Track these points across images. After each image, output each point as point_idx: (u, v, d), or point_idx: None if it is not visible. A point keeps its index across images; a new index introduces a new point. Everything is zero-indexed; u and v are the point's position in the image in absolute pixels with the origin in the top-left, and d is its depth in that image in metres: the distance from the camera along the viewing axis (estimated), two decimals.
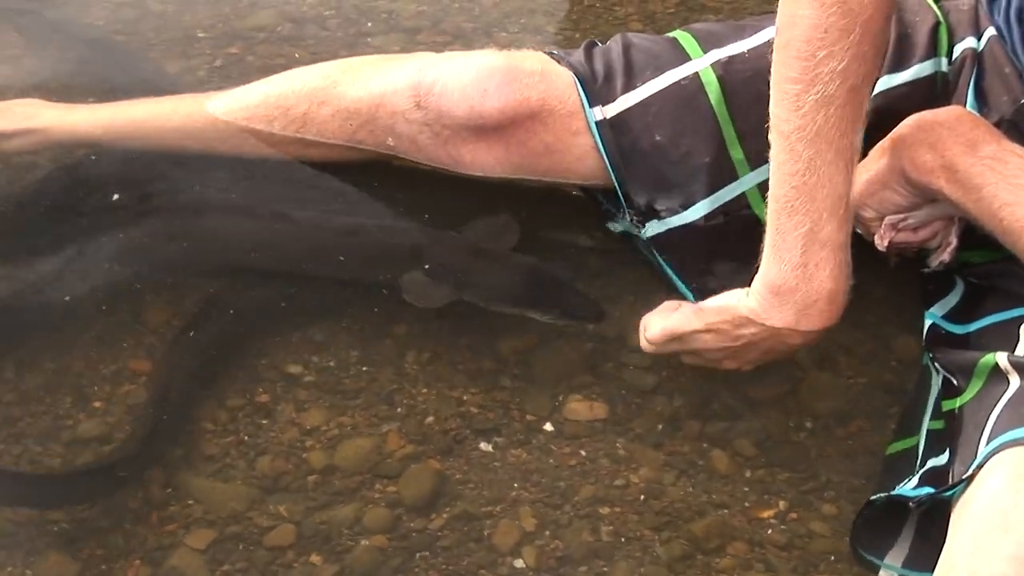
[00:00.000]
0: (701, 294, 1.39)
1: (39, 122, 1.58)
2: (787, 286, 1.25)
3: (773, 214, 1.24)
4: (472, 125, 1.45)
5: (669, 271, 1.46)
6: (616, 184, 1.45)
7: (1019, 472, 1.09)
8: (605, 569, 1.29)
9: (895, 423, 1.40)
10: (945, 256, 1.33)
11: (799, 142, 1.20)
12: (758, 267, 1.27)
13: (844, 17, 1.16)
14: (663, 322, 1.35)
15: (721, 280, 1.41)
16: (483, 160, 1.48)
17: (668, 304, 1.38)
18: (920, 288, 1.42)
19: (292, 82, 1.55)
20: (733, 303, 1.30)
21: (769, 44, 1.34)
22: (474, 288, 1.46)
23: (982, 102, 1.37)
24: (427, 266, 1.46)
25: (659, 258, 1.46)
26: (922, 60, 1.41)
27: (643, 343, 1.37)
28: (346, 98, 1.50)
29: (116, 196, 1.55)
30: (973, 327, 1.34)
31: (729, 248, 1.42)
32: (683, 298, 1.43)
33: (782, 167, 1.23)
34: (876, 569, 1.26)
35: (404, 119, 1.48)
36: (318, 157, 1.56)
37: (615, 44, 1.49)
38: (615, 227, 1.53)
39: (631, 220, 1.47)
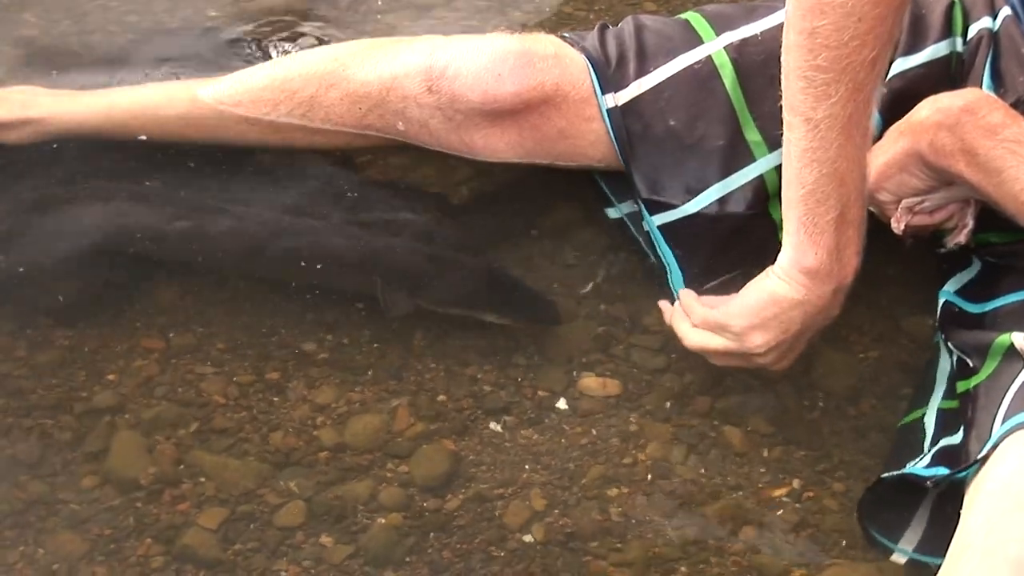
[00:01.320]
0: (695, 288, 1.41)
1: (37, 111, 1.54)
2: (824, 270, 1.26)
3: (799, 199, 1.24)
4: (486, 110, 1.44)
5: (671, 261, 1.44)
6: (627, 171, 1.44)
7: None
8: (619, 546, 1.30)
9: (907, 402, 1.40)
10: (961, 238, 1.33)
11: (830, 130, 1.19)
12: (774, 257, 1.28)
13: (878, 5, 1.14)
14: (705, 313, 1.35)
15: (721, 275, 1.41)
16: (495, 145, 1.47)
17: (687, 299, 1.38)
18: (935, 266, 1.43)
19: (299, 64, 1.52)
20: (772, 292, 1.29)
21: (782, 27, 1.34)
22: (428, 293, 1.45)
23: (998, 83, 1.36)
24: (378, 277, 1.45)
25: (663, 247, 1.44)
26: (937, 41, 1.40)
27: (688, 339, 1.37)
28: (355, 81, 1.47)
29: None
30: (989, 307, 1.34)
31: (739, 243, 1.42)
32: (671, 292, 1.44)
33: (811, 154, 1.21)
34: (889, 552, 1.27)
35: (416, 103, 1.46)
36: (323, 144, 1.54)
37: (627, 26, 1.47)
38: (612, 213, 1.53)
39: (639, 207, 1.45)
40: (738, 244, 1.42)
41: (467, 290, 1.46)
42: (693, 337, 1.37)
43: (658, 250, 1.44)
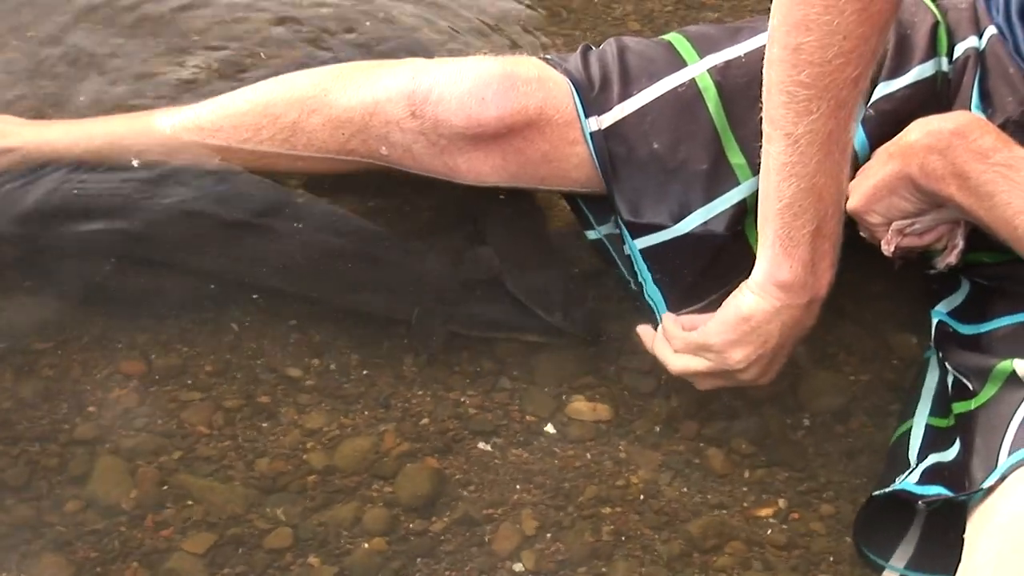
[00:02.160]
0: (677, 312, 1.41)
1: (14, 141, 1.53)
2: (799, 282, 1.27)
3: (776, 213, 1.25)
4: (470, 134, 1.43)
5: (652, 287, 1.44)
6: (610, 198, 1.43)
7: None
8: (604, 570, 1.29)
9: (895, 419, 1.40)
10: (952, 259, 1.33)
11: (810, 146, 1.21)
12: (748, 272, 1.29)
13: (863, 25, 1.15)
14: (686, 336, 1.36)
15: (704, 299, 1.41)
16: (479, 169, 1.46)
17: (668, 324, 1.39)
18: (922, 283, 1.42)
19: (281, 89, 1.51)
20: (748, 307, 1.30)
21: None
22: (462, 320, 1.47)
23: (987, 103, 1.36)
24: (417, 307, 1.47)
25: (644, 272, 1.44)
26: (923, 61, 1.39)
27: (671, 365, 1.38)
28: (338, 106, 1.47)
29: None
30: (984, 328, 1.33)
31: (721, 266, 1.42)
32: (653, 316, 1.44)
33: (790, 168, 1.23)
34: (881, 569, 1.27)
35: (399, 128, 1.45)
36: (307, 168, 1.54)
37: (610, 48, 1.47)
38: (592, 235, 1.52)
39: (620, 230, 1.45)
40: (720, 267, 1.42)
41: (503, 312, 1.48)
42: (676, 362, 1.37)
43: (639, 275, 1.44)
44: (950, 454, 1.25)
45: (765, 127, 1.23)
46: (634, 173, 1.42)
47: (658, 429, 1.42)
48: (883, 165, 1.29)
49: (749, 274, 1.31)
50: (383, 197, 1.59)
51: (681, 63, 1.44)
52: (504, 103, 1.42)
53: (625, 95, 1.42)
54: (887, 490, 1.25)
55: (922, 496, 1.21)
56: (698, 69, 1.42)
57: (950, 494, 1.19)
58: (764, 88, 1.22)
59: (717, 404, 1.43)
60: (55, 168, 1.53)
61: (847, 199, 1.28)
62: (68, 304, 1.49)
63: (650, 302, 1.44)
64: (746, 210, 1.40)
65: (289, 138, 1.48)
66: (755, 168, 1.37)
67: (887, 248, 1.32)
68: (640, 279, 1.44)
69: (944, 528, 1.19)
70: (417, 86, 1.44)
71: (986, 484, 1.13)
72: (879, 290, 1.51)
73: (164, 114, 1.55)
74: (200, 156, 1.52)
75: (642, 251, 1.43)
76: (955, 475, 1.21)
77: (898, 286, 1.49)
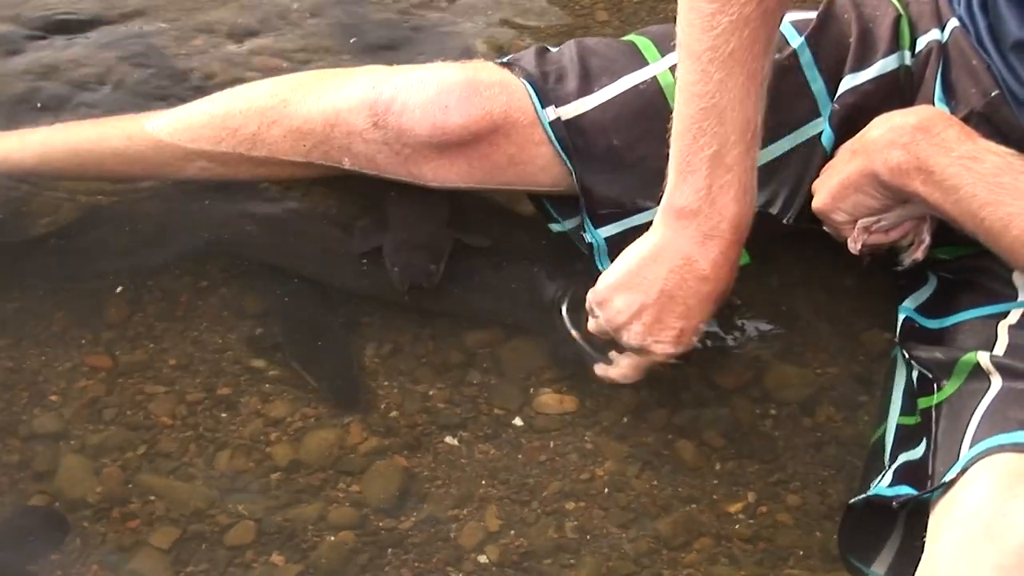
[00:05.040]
0: None
1: None
2: (690, 208, 1.26)
3: (678, 136, 1.26)
4: (435, 142, 1.44)
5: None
6: (577, 183, 1.44)
7: (1003, 480, 1.10)
8: (572, 562, 1.30)
9: (866, 413, 1.41)
10: (918, 254, 1.35)
11: (711, 63, 1.22)
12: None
13: None
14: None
15: None
16: (445, 175, 1.46)
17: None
18: (892, 282, 1.43)
19: (238, 101, 1.52)
20: (639, 243, 1.30)
21: None
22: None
23: (950, 95, 1.37)
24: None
25: (606, 261, 1.44)
26: (886, 55, 1.40)
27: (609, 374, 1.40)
28: (297, 117, 1.47)
29: None
30: (948, 322, 1.35)
31: None
32: None
33: (691, 87, 1.23)
34: (856, 571, 1.27)
35: (361, 139, 1.46)
36: (268, 176, 1.55)
37: (568, 49, 1.48)
38: (556, 227, 1.53)
39: (583, 220, 1.46)
40: None
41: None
42: (610, 372, 1.39)
43: (601, 266, 1.44)
44: (918, 452, 1.26)
45: (678, 50, 1.25)
46: (595, 164, 1.43)
47: (626, 420, 1.42)
48: (847, 162, 1.31)
49: None
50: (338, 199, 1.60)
51: (643, 62, 1.45)
52: (468, 110, 1.42)
53: (585, 91, 1.43)
54: (862, 497, 1.25)
55: (892, 498, 1.21)
56: (660, 67, 1.44)
57: (915, 493, 1.20)
58: (678, 11, 1.24)
59: (687, 394, 1.43)
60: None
61: (757, 131, 1.27)
62: (30, 300, 1.50)
63: None
64: None
65: (250, 149, 1.49)
66: None
67: (854, 246, 1.33)
68: (602, 268, 1.44)
69: (921, 534, 1.19)
70: (378, 95, 1.44)
71: (947, 478, 1.15)
72: (848, 285, 1.52)
73: (122, 122, 1.56)
74: (158, 165, 1.53)
75: (606, 239, 1.44)
76: (921, 473, 1.23)
77: (867, 281, 1.49)
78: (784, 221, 1.42)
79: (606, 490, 1.36)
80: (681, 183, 1.26)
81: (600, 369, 1.40)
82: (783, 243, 1.49)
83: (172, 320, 1.48)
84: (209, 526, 1.30)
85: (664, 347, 1.31)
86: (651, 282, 1.29)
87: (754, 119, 1.24)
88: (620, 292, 1.30)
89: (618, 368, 1.38)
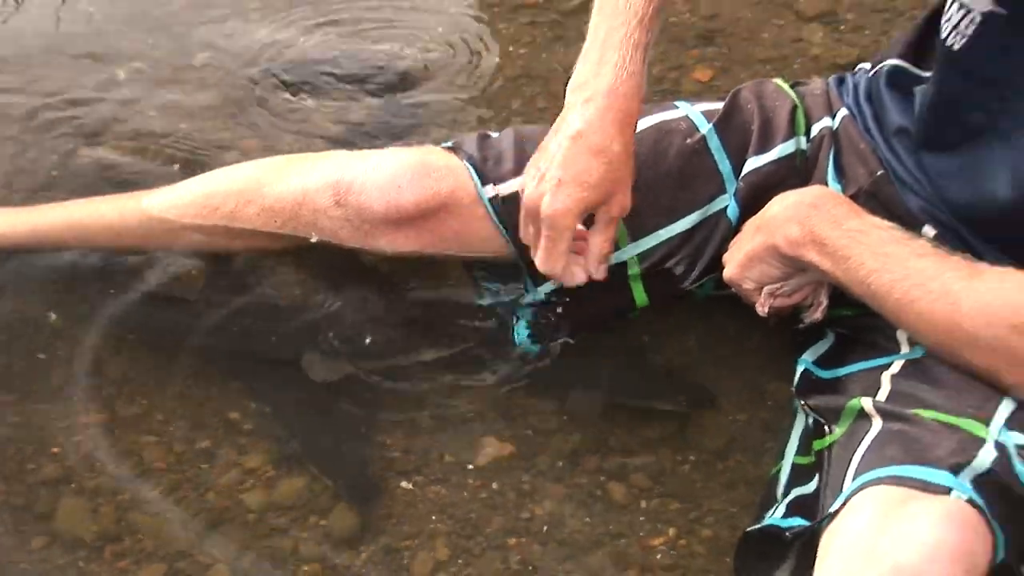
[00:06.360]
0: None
1: None
2: (578, 82, 1.40)
3: (591, 27, 1.42)
4: (390, 219, 1.52)
5: (523, 330, 1.59)
6: (516, 250, 1.52)
7: (881, 509, 1.17)
8: None
9: (771, 457, 1.48)
10: (817, 315, 1.43)
11: None
12: None
13: None
14: None
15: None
16: (399, 246, 1.56)
17: None
18: (792, 339, 1.51)
19: (222, 181, 1.62)
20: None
21: (658, 127, 1.50)
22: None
23: (841, 175, 1.48)
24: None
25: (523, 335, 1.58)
26: (784, 140, 1.51)
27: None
28: (270, 197, 1.56)
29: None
30: (841, 372, 1.42)
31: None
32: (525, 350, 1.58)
33: None
34: None
35: (326, 216, 1.54)
36: (243, 248, 1.65)
37: (506, 136, 1.57)
38: (482, 301, 1.63)
39: (526, 280, 1.57)
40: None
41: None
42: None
43: (516, 337, 1.59)
44: (810, 487, 1.34)
45: None
46: None
47: (560, 464, 1.51)
48: (751, 237, 1.41)
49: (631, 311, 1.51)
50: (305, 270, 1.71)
51: None
52: (418, 190, 1.52)
53: (521, 171, 1.48)
54: (757, 526, 1.33)
55: (786, 529, 1.28)
56: None
57: (807, 523, 1.27)
58: None
59: (614, 440, 1.53)
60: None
61: (647, 19, 1.40)
62: (28, 361, 1.61)
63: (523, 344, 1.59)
64: (627, 264, 1.54)
65: (228, 224, 1.59)
66: (633, 236, 1.52)
67: (761, 309, 1.43)
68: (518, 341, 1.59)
69: (812, 562, 1.23)
70: (341, 176, 1.54)
71: (833, 508, 1.22)
72: (756, 343, 1.61)
73: (118, 200, 1.67)
74: (146, 238, 1.65)
75: (547, 294, 1.56)
76: (812, 505, 1.31)
77: (773, 340, 1.58)
78: (683, 286, 1.53)
79: (544, 528, 1.45)
80: (582, 60, 1.40)
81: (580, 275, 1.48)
82: (699, 310, 1.61)
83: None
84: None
85: (553, 203, 1.37)
86: (542, 148, 1.41)
87: (645, 9, 1.39)
88: (531, 165, 1.42)
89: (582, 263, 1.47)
